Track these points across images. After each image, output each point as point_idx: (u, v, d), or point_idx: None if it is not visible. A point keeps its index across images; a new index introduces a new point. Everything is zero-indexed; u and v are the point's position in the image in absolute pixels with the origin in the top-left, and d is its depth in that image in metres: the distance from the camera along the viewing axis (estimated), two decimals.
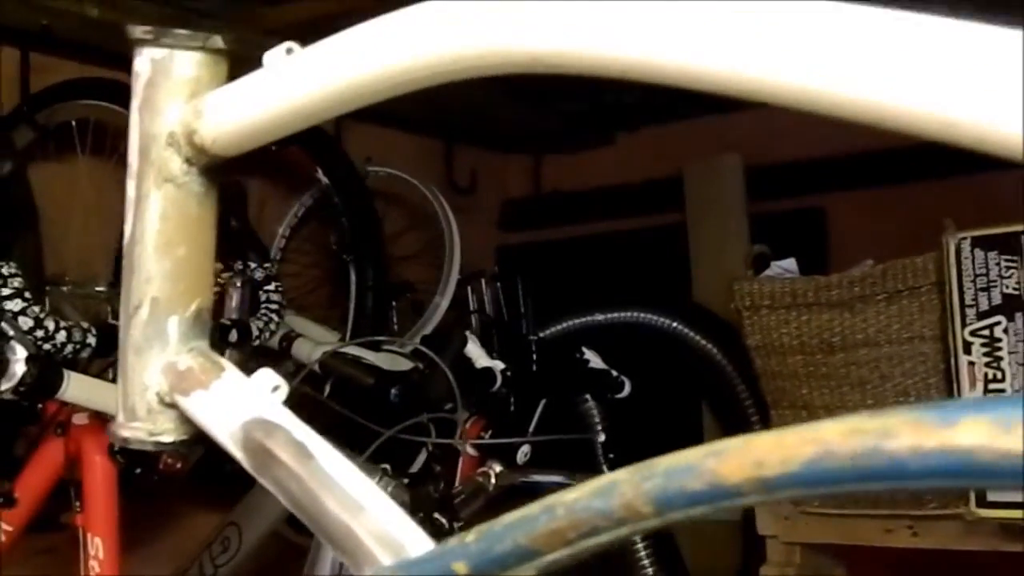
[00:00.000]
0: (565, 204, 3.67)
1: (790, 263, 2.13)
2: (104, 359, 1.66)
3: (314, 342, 2.23)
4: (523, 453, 2.01)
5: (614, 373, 2.25)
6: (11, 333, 1.43)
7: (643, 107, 3.32)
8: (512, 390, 2.12)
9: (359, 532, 0.53)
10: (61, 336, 1.52)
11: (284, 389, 0.59)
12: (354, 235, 2.44)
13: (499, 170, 3.68)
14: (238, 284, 2.00)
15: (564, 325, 3.11)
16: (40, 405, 1.65)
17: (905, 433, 0.33)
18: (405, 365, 2.15)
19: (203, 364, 0.62)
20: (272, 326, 1.90)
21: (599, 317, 3.12)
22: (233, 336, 1.75)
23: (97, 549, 1.70)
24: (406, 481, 1.64)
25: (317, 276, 2.83)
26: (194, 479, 1.94)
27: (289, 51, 0.58)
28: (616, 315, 3.11)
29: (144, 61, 0.62)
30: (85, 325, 1.60)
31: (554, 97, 3.23)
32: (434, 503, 1.61)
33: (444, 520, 1.60)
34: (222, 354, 1.83)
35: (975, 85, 0.36)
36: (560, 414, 2.23)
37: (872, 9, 0.40)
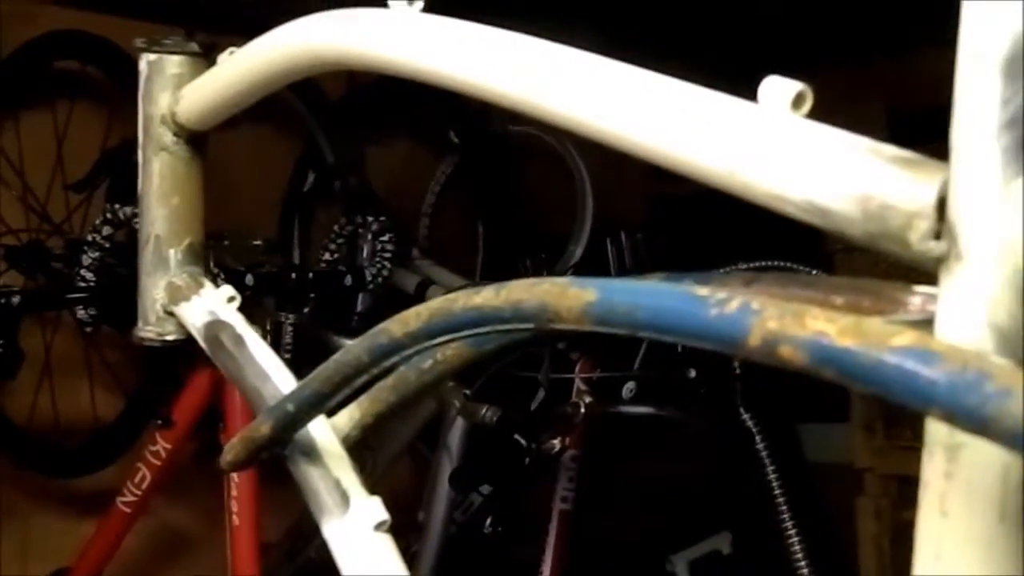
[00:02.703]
0: None
1: None
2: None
3: (446, 288, 2.47)
4: (628, 389, 2.20)
5: None
6: None
7: (783, 60, 3.39)
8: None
9: (264, 393, 0.75)
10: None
11: (238, 299, 0.82)
12: (479, 193, 2.67)
13: None
14: (369, 237, 2.26)
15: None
16: None
17: (462, 300, 0.53)
18: None
19: (189, 283, 0.86)
20: (384, 272, 2.14)
21: (741, 266, 3.25)
22: (348, 280, 2.00)
23: None
24: (485, 409, 1.84)
25: (464, 230, 3.08)
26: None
27: (231, 52, 0.80)
28: (758, 263, 3.24)
29: (144, 63, 0.86)
30: (242, 269, 1.89)
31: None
32: (515, 426, 1.82)
33: (523, 441, 1.82)
34: (342, 296, 2.07)
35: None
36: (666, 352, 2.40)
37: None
